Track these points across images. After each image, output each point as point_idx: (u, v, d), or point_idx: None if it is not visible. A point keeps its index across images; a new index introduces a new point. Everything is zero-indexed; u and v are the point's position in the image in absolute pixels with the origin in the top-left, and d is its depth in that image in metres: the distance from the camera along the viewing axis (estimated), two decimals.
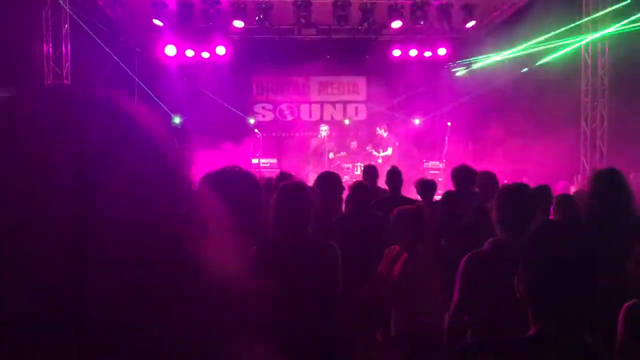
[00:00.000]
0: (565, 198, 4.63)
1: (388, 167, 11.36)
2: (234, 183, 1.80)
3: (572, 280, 1.53)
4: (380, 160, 12.06)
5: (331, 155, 12.22)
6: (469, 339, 2.89)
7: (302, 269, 2.70)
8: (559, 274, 1.54)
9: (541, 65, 10.95)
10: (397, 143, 12.38)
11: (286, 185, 2.95)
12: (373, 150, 12.39)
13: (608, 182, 3.50)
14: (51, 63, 9.76)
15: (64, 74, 9.91)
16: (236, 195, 1.73)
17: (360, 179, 7.12)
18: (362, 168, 8.63)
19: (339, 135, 13.40)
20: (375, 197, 5.78)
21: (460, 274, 2.88)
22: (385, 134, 12.43)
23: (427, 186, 6.22)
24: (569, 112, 10.46)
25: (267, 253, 2.56)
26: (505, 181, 10.85)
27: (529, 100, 11.05)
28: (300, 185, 3.03)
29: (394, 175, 6.05)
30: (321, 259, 2.82)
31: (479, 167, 6.78)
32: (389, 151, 12.20)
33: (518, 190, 2.89)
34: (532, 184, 4.14)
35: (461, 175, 5.45)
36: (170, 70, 12.94)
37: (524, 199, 2.84)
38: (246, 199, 1.77)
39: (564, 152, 10.08)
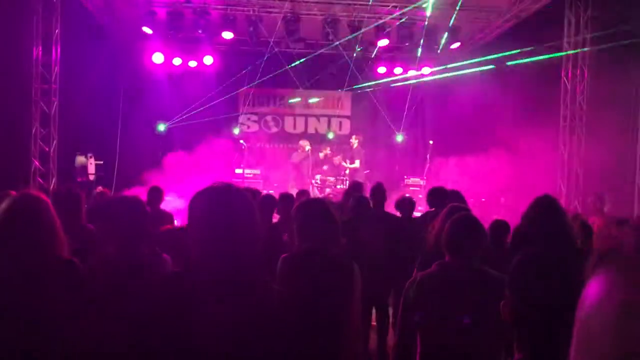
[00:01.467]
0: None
1: (355, 179, 11.60)
2: (228, 201, 1.85)
3: (555, 305, 1.65)
4: (347, 171, 12.17)
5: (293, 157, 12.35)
6: None
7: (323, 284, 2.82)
8: (542, 300, 1.66)
9: (523, 84, 11.25)
10: (363, 156, 12.42)
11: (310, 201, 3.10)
12: (342, 162, 12.45)
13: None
14: (40, 67, 9.74)
15: (52, 79, 9.89)
16: (231, 212, 1.82)
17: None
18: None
19: (320, 149, 13.51)
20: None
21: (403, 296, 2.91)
22: (355, 144, 12.45)
23: (406, 203, 6.43)
24: (549, 134, 10.76)
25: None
26: (483, 199, 11.12)
27: (511, 119, 11.34)
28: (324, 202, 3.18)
29: (379, 192, 6.19)
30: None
31: (459, 184, 6.98)
32: (357, 163, 12.25)
33: (468, 219, 2.99)
34: (509, 205, 4.29)
35: (435, 195, 5.82)
36: (157, 77, 12.97)
37: (475, 227, 2.91)
38: (242, 215, 1.84)
39: (544, 173, 10.35)
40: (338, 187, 11.98)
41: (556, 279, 1.73)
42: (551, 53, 10.62)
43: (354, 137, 12.66)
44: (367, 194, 6.32)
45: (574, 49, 10.49)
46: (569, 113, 10.72)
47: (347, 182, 11.30)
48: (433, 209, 5.77)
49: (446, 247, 2.87)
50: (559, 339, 1.70)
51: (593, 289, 0.68)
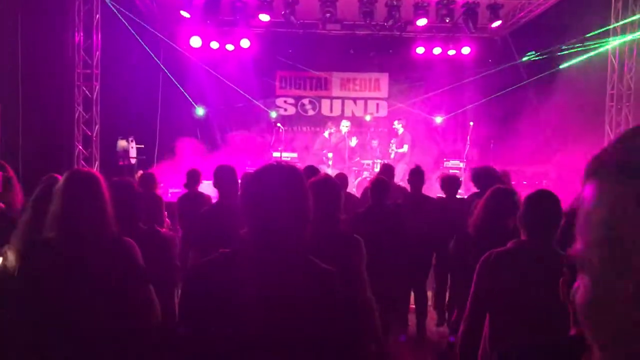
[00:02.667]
0: None
1: (402, 165, 11.48)
2: (279, 178, 1.86)
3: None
4: (392, 156, 12.11)
5: (353, 142, 12.27)
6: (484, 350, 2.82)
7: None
8: None
9: (568, 67, 10.88)
10: (410, 141, 12.33)
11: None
12: (392, 146, 12.42)
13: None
14: (82, 52, 9.93)
15: (94, 64, 10.08)
16: (283, 188, 1.82)
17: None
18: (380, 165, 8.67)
19: (359, 131, 13.44)
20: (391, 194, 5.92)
21: (477, 274, 2.84)
22: (401, 130, 12.41)
23: (450, 182, 6.30)
24: (595, 115, 10.42)
25: None
26: (524, 182, 10.88)
27: (554, 102, 11.00)
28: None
29: (417, 174, 6.10)
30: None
31: (499, 167, 6.82)
32: (405, 148, 12.21)
33: (543, 196, 2.91)
34: (553, 187, 4.16)
35: (482, 176, 5.56)
36: (195, 61, 13.08)
37: (549, 205, 2.86)
38: (294, 192, 1.84)
39: (588, 155, 10.03)
40: (375, 170, 11.90)
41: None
42: (598, 32, 10.25)
43: (396, 121, 12.57)
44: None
45: (622, 26, 10.08)
46: (615, 92, 10.34)
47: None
48: (479, 190, 5.56)
49: (524, 225, 2.81)
50: None
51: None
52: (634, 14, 9.84)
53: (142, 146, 11.08)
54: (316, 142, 12.78)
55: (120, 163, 10.26)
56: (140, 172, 8.08)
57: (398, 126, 12.45)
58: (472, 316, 2.82)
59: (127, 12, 11.13)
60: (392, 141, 12.58)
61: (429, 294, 6.20)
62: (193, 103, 13.09)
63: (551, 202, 2.84)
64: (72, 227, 2.40)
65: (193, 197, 6.15)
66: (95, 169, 10.05)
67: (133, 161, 10.57)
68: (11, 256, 2.38)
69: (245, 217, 1.85)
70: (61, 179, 2.51)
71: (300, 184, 1.88)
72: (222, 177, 4.41)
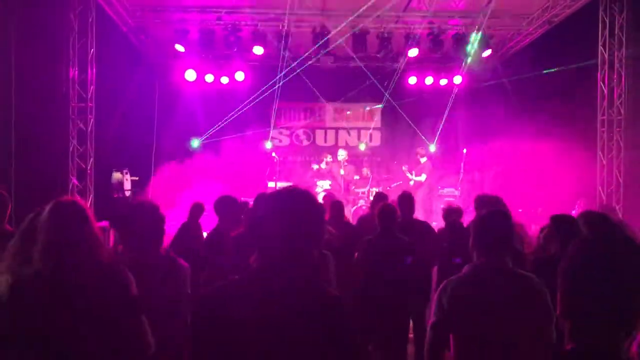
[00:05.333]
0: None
1: (419, 192, 11.58)
2: (294, 201, 1.87)
3: (613, 296, 1.60)
4: (412, 183, 12.20)
5: (342, 172, 12.31)
6: None
7: None
8: (603, 291, 1.61)
9: (556, 92, 11.01)
10: (429, 170, 12.40)
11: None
12: (407, 172, 12.47)
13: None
14: (76, 86, 10.00)
15: (89, 97, 10.14)
16: (293, 212, 1.83)
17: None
18: (375, 194, 8.67)
19: (353, 161, 13.49)
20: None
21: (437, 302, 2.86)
22: (424, 159, 12.54)
23: (453, 212, 6.30)
24: (587, 140, 10.51)
25: None
26: (520, 210, 10.89)
27: (545, 127, 11.10)
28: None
29: (406, 200, 6.13)
30: None
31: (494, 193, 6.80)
32: (422, 177, 12.30)
33: (496, 214, 2.91)
34: (547, 215, 4.17)
35: (484, 203, 5.56)
36: (190, 94, 13.19)
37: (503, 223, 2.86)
38: (304, 216, 1.85)
39: (582, 181, 10.10)
40: (370, 198, 11.91)
41: (615, 271, 1.69)
42: (586, 58, 10.40)
43: (419, 149, 12.66)
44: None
45: (610, 52, 10.24)
46: (606, 119, 10.44)
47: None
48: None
49: (475, 246, 2.79)
50: (613, 329, 1.66)
51: None
52: (621, 38, 10.01)
53: (137, 178, 11.08)
54: (307, 173, 12.87)
55: (115, 195, 10.24)
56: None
57: (420, 157, 12.56)
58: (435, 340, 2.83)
59: (121, 47, 11.28)
60: (403, 168, 12.61)
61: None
62: (188, 135, 13.15)
63: (504, 220, 2.83)
64: (58, 257, 2.37)
65: (197, 229, 6.26)
66: (90, 202, 10.03)
67: (128, 194, 10.55)
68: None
69: (255, 242, 1.85)
70: (46, 209, 2.48)
71: (313, 208, 1.88)
72: (224, 207, 4.55)
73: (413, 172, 12.48)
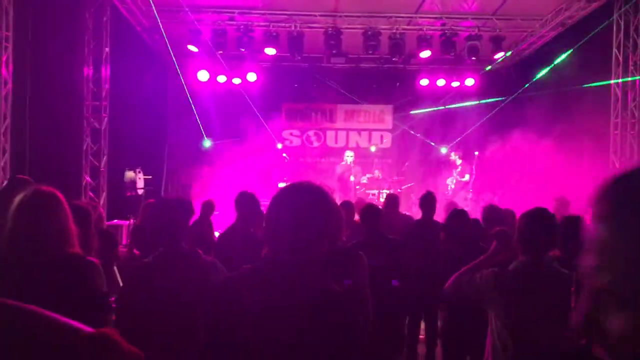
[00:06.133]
0: None
1: (463, 193, 11.60)
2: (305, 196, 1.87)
3: None
4: (452, 187, 12.12)
5: (352, 178, 12.28)
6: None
7: None
8: None
9: (571, 95, 10.95)
10: (469, 170, 12.26)
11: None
12: (452, 178, 12.33)
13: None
14: (91, 85, 10.09)
15: (103, 96, 10.22)
16: (301, 208, 1.83)
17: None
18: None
19: (363, 162, 13.49)
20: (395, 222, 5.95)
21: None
22: (459, 160, 12.38)
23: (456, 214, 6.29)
24: (599, 144, 10.43)
25: None
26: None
27: (558, 130, 11.04)
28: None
29: (429, 200, 6.12)
30: None
31: (504, 198, 6.79)
32: (466, 177, 12.20)
33: (540, 215, 2.96)
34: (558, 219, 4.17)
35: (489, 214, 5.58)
36: (203, 94, 13.25)
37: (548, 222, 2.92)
38: (317, 211, 1.84)
39: (594, 183, 10.00)
40: (381, 200, 11.89)
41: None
42: (600, 61, 10.35)
43: (452, 154, 12.55)
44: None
45: (624, 55, 10.18)
46: (620, 121, 10.38)
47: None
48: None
49: (520, 244, 2.88)
50: None
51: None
52: (636, 40, 9.95)
53: (150, 177, 11.13)
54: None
55: (128, 194, 10.29)
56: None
57: (455, 157, 12.45)
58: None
59: (135, 46, 11.36)
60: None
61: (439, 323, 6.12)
62: (203, 133, 13.21)
63: (548, 220, 2.89)
64: (20, 245, 2.32)
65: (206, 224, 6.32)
66: (102, 200, 10.10)
67: (140, 192, 10.60)
68: None
69: (267, 234, 1.87)
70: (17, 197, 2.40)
71: (324, 203, 1.87)
72: (244, 203, 4.58)
73: (457, 177, 12.31)
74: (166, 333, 2.66)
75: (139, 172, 10.67)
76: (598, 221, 0.83)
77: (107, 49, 10.14)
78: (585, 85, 10.63)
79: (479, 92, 13.67)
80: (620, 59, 10.26)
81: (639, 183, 0.81)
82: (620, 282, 0.76)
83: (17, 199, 2.38)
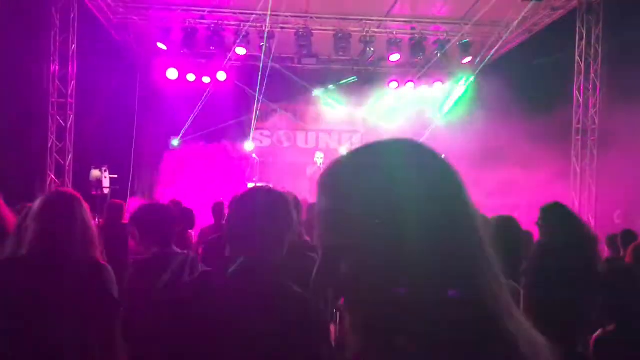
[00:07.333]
0: None
1: None
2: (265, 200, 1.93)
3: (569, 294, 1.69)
4: None
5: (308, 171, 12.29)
6: None
7: None
8: (558, 290, 1.70)
9: (535, 100, 11.20)
10: None
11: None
12: None
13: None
14: (57, 82, 9.93)
15: (69, 93, 10.07)
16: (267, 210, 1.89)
17: None
18: None
19: None
20: None
21: None
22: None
23: None
24: (562, 148, 10.71)
25: None
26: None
27: (521, 136, 11.29)
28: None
29: None
30: None
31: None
32: None
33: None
34: (521, 220, 4.23)
35: None
36: (171, 93, 13.13)
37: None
38: (276, 213, 1.90)
39: (557, 188, 10.28)
40: None
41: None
42: (563, 67, 10.63)
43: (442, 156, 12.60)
44: None
45: (586, 63, 10.48)
46: (581, 127, 10.67)
47: None
48: None
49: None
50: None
51: None
52: (597, 49, 10.25)
53: (116, 176, 11.00)
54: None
55: (93, 193, 10.16)
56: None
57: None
58: None
59: (103, 43, 11.21)
60: None
61: None
62: (168, 134, 13.10)
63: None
64: (44, 246, 2.38)
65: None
66: None
67: (106, 191, 10.47)
68: None
69: (226, 236, 1.92)
70: (40, 198, 2.48)
71: (281, 206, 1.92)
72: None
73: None
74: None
75: (105, 170, 10.55)
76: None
77: (74, 46, 9.99)
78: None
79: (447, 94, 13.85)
80: (582, 66, 10.55)
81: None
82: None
83: (39, 200, 2.44)
